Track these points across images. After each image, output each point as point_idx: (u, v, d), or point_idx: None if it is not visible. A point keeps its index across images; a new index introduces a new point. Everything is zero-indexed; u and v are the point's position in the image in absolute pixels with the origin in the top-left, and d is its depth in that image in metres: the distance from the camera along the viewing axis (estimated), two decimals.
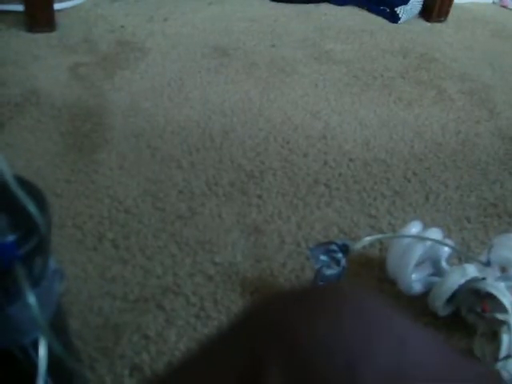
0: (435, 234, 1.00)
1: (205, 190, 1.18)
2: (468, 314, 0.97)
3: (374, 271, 1.05)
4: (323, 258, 0.92)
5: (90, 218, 1.10)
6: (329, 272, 0.92)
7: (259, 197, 1.18)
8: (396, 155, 1.36)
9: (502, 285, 0.94)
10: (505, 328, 0.87)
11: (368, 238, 1.00)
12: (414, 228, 1.01)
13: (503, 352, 0.86)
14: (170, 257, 1.03)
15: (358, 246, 0.98)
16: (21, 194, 0.58)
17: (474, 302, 0.95)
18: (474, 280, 0.95)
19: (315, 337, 0.23)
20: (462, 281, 0.94)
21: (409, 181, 1.29)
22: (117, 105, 1.42)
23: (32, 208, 0.60)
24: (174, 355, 0.87)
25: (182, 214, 1.12)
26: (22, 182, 0.60)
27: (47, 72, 1.53)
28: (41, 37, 1.70)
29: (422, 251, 0.97)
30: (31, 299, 0.59)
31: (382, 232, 1.14)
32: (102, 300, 0.95)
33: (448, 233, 1.15)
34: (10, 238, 0.56)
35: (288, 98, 1.52)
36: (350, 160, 1.32)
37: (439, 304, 0.96)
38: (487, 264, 0.96)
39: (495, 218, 1.22)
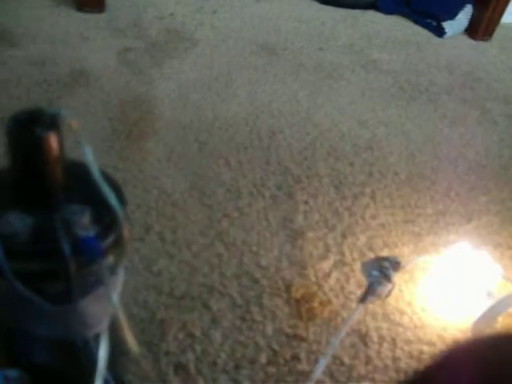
0: (483, 257, 1.00)
1: (252, 191, 1.18)
2: None
3: (417, 289, 1.04)
4: (375, 273, 0.92)
5: (138, 207, 1.10)
6: (379, 288, 0.92)
7: (305, 202, 1.18)
8: (440, 173, 1.36)
9: None
10: None
11: (419, 257, 0.99)
12: (462, 249, 1.00)
13: None
14: (216, 256, 1.03)
15: (408, 265, 0.98)
16: (105, 188, 0.58)
17: None
18: None
19: None
20: (511, 307, 0.94)
21: (452, 200, 1.28)
22: (165, 94, 1.42)
23: (114, 203, 0.60)
24: (220, 356, 0.87)
25: (229, 213, 1.12)
26: (104, 176, 0.59)
27: (96, 54, 1.53)
28: (90, 17, 1.70)
29: (467, 274, 0.97)
30: (113, 295, 0.59)
31: (425, 249, 1.13)
32: (147, 293, 0.95)
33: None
34: (93, 232, 0.56)
35: (335, 104, 1.52)
36: (395, 173, 1.32)
37: (488, 327, 0.95)
38: None
39: None
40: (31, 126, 0.52)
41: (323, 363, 0.84)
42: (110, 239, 0.59)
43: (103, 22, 1.69)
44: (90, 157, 0.58)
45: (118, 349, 0.68)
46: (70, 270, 0.55)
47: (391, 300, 1.00)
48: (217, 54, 1.63)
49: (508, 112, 1.68)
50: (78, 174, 0.60)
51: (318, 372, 0.83)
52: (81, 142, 0.56)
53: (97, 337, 0.65)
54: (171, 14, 1.79)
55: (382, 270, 0.92)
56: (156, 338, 0.88)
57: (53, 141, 0.55)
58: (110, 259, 0.62)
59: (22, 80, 1.36)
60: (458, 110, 1.63)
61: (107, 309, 0.68)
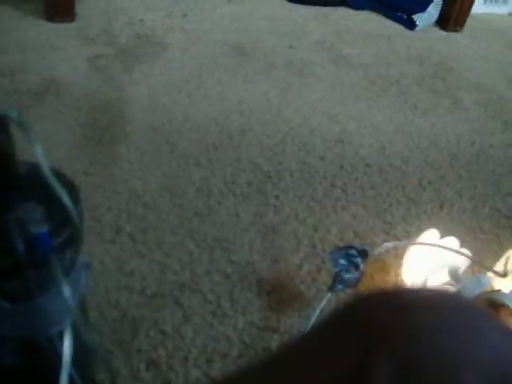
0: (452, 242, 1.01)
1: (222, 189, 1.18)
2: None
3: (389, 277, 1.05)
4: (342, 261, 0.93)
5: (108, 210, 1.10)
6: (347, 276, 0.93)
7: (276, 197, 1.19)
8: (411, 163, 1.37)
9: None
10: None
11: (388, 244, 1.01)
12: (431, 236, 1.01)
13: None
14: (187, 253, 1.04)
15: (376, 252, 0.99)
16: (56, 185, 0.59)
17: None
18: (489, 291, 0.95)
19: (421, 338, 0.24)
20: (478, 291, 0.95)
21: (424, 189, 1.29)
22: (136, 98, 1.43)
23: (66, 200, 0.60)
24: (191, 352, 0.88)
25: (200, 211, 1.13)
26: (57, 174, 0.60)
27: (67, 62, 1.53)
28: (60, 27, 1.70)
29: (438, 260, 0.98)
30: (66, 290, 0.59)
31: (396, 238, 1.14)
32: (119, 293, 0.95)
33: (461, 242, 1.15)
34: (45, 228, 0.56)
35: (306, 100, 1.53)
36: (366, 165, 1.33)
37: None
38: (504, 275, 0.97)
39: (508, 229, 1.23)
40: None
41: None
42: (63, 236, 0.60)
43: (73, 30, 1.69)
44: (40, 155, 0.58)
45: (86, 347, 0.69)
46: (24, 268, 0.56)
47: (363, 288, 1.01)
48: (187, 57, 1.64)
49: (480, 100, 1.70)
50: (31, 173, 0.61)
51: None
52: (31, 140, 0.56)
53: (61, 334, 0.65)
54: (141, 20, 1.80)
55: (349, 259, 0.93)
56: (128, 337, 0.88)
57: (2, 141, 0.55)
58: (66, 256, 0.62)
59: None
60: (429, 100, 1.64)
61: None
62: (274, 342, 0.91)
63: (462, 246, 1.06)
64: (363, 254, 0.95)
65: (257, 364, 0.29)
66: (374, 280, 1.05)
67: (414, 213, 1.22)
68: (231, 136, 1.34)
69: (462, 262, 1.01)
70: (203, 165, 1.24)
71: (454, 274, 1.01)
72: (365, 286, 1.02)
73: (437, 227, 1.10)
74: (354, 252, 0.94)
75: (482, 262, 1.09)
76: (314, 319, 0.90)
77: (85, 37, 1.67)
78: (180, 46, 1.69)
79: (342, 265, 0.93)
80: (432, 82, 1.74)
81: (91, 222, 1.07)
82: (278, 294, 0.99)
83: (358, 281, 0.94)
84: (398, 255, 1.10)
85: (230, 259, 1.04)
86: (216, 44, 1.73)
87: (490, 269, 1.02)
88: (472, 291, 0.95)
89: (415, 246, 1.02)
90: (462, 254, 1.01)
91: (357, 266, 0.94)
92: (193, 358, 0.87)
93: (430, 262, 0.98)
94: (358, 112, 1.51)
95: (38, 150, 0.58)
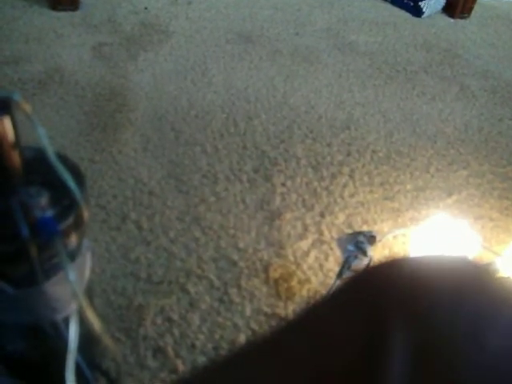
0: (461, 226, 1.00)
1: (229, 175, 1.17)
2: None
3: None
4: (351, 248, 0.92)
5: (114, 198, 1.09)
6: (355, 262, 0.92)
7: (283, 184, 1.18)
8: (419, 149, 1.36)
9: None
10: None
11: (396, 230, 1.00)
12: (440, 220, 1.00)
13: None
14: (193, 240, 1.03)
15: (384, 238, 0.98)
16: (61, 169, 0.58)
17: None
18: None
19: (441, 305, 0.23)
20: None
21: (432, 176, 1.28)
22: (140, 86, 1.42)
23: (71, 184, 0.60)
24: (198, 339, 0.87)
25: (206, 197, 1.12)
26: (62, 158, 0.59)
27: (71, 50, 1.52)
28: (64, 15, 1.69)
29: (446, 244, 0.97)
30: (71, 275, 0.59)
31: (404, 225, 1.13)
32: (125, 280, 0.95)
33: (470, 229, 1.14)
34: (50, 212, 0.55)
35: (312, 87, 1.51)
36: (373, 152, 1.32)
37: None
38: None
39: None
40: None
41: None
42: (68, 220, 0.59)
43: (78, 19, 1.68)
44: (44, 139, 0.57)
45: (91, 334, 0.68)
46: (29, 252, 0.55)
47: None
48: (192, 45, 1.62)
49: (487, 87, 1.68)
50: (36, 158, 0.60)
51: None
52: (34, 124, 0.55)
53: (66, 320, 0.65)
54: (146, 8, 1.79)
55: (357, 245, 0.92)
56: (134, 324, 0.88)
57: (5, 124, 0.55)
58: (71, 240, 0.61)
59: None
60: (436, 86, 1.63)
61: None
62: None
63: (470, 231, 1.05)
64: (371, 240, 0.94)
65: (269, 336, 0.28)
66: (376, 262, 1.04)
67: (421, 200, 1.21)
68: (237, 123, 1.33)
69: (470, 248, 1.00)
70: (209, 152, 1.23)
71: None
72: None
73: (445, 214, 1.08)
74: (362, 238, 0.93)
75: (490, 248, 1.08)
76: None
77: (89, 25, 1.66)
78: (184, 33, 1.68)
79: (350, 251, 0.92)
80: (439, 69, 1.72)
81: (97, 210, 1.06)
82: (285, 281, 0.98)
83: (366, 267, 0.93)
84: (406, 241, 1.09)
85: (237, 246, 1.03)
86: (221, 32, 1.71)
87: (499, 255, 1.01)
88: None
89: (423, 231, 1.00)
90: (473, 239, 1.00)
91: (365, 252, 0.93)
92: (200, 344, 0.86)
93: (437, 247, 0.97)
94: (364, 99, 1.50)
95: (42, 133, 0.57)
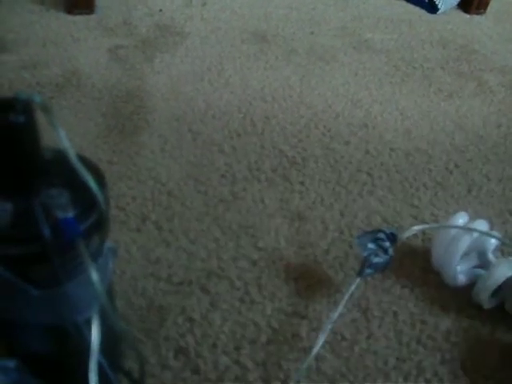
0: (482, 225, 0.99)
1: (247, 175, 1.18)
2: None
3: (417, 261, 1.04)
4: (371, 246, 0.91)
5: (133, 199, 1.10)
6: (376, 260, 0.91)
7: (302, 183, 1.18)
8: (437, 146, 1.35)
9: None
10: None
11: (416, 228, 0.99)
12: (461, 219, 0.99)
13: None
14: (213, 240, 1.03)
15: (405, 235, 0.98)
16: (82, 170, 0.58)
17: None
18: None
19: None
20: (510, 274, 0.93)
21: (451, 172, 1.27)
22: (157, 88, 1.42)
23: (92, 184, 0.60)
24: (219, 338, 0.87)
25: (225, 197, 1.12)
26: (82, 159, 0.60)
27: (87, 54, 1.53)
28: (80, 19, 1.70)
29: (468, 242, 0.96)
30: (94, 276, 0.59)
31: (424, 222, 1.12)
32: (145, 281, 0.95)
33: (490, 225, 1.13)
34: (72, 213, 0.56)
35: (329, 85, 1.51)
36: (392, 150, 1.31)
37: (484, 297, 0.94)
38: None
39: None
40: (4, 112, 0.52)
41: (323, 337, 0.83)
42: (90, 220, 0.59)
43: (93, 22, 1.69)
44: (65, 140, 0.58)
45: (113, 335, 0.68)
46: (51, 253, 0.56)
47: (391, 273, 1.00)
48: (208, 46, 1.63)
49: (505, 82, 1.67)
50: (56, 158, 0.61)
51: (317, 347, 0.83)
52: (55, 125, 0.56)
53: (88, 321, 0.65)
54: (160, 10, 1.79)
55: (377, 243, 0.92)
56: (155, 325, 0.88)
57: (27, 125, 0.55)
58: (93, 241, 0.62)
59: (13, 84, 1.37)
60: (453, 83, 1.62)
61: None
62: (303, 328, 0.90)
63: (491, 228, 1.04)
64: (392, 237, 0.93)
65: None
66: (402, 264, 1.03)
67: (441, 196, 1.20)
68: (254, 123, 1.33)
69: (491, 245, 0.99)
70: (227, 152, 1.23)
71: (483, 257, 0.99)
72: (393, 271, 1.01)
73: (465, 210, 1.07)
74: (382, 236, 0.93)
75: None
76: (342, 304, 0.88)
77: (105, 28, 1.67)
78: (200, 34, 1.68)
79: (370, 249, 0.91)
80: (456, 65, 1.71)
81: (116, 211, 1.07)
82: (306, 280, 0.98)
83: (386, 265, 0.93)
84: (426, 239, 1.09)
85: (257, 246, 1.03)
86: (236, 32, 1.72)
87: None
88: (503, 274, 0.93)
89: (444, 229, 1.00)
90: (493, 236, 0.99)
91: (386, 250, 0.92)
92: (221, 344, 0.86)
93: (459, 245, 0.96)
94: (382, 96, 1.49)
95: (62, 134, 0.57)
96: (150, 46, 1.59)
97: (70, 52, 1.53)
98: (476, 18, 2.09)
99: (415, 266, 1.03)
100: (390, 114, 1.43)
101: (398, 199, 1.18)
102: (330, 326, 0.85)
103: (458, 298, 0.99)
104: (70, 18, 1.70)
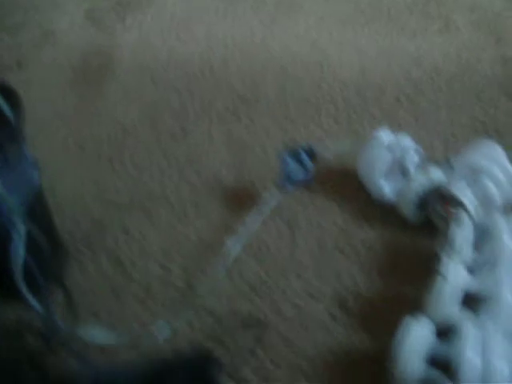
0: (404, 139, 1.04)
1: (199, 113, 1.26)
2: (435, 218, 0.99)
3: (349, 179, 1.09)
4: (290, 160, 0.98)
5: (92, 138, 1.21)
6: (296, 175, 0.98)
7: (251, 119, 1.25)
8: (391, 80, 1.40)
9: (464, 185, 0.97)
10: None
11: (337, 143, 1.05)
12: (384, 135, 1.05)
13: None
14: (159, 170, 1.13)
15: (328, 152, 1.04)
16: None
17: (439, 206, 0.98)
18: (441, 184, 0.98)
19: None
20: (427, 183, 0.97)
21: (401, 103, 1.32)
22: (126, 43, 1.51)
23: (2, 103, 0.70)
24: (152, 249, 0.98)
25: (176, 133, 1.21)
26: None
27: (65, 16, 1.64)
28: None
29: (388, 158, 1.01)
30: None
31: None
32: (93, 204, 1.06)
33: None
34: None
35: (291, 31, 1.57)
36: (344, 85, 1.37)
37: (407, 210, 0.99)
38: (450, 168, 1.00)
39: (483, 134, 1.24)
40: None
41: (239, 242, 0.92)
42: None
43: None
44: None
45: (47, 250, 0.78)
46: None
47: (321, 189, 1.07)
48: (178, 4, 1.70)
49: (474, 19, 1.69)
50: None
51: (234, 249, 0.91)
52: None
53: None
54: None
55: (297, 157, 0.98)
56: (96, 239, 0.98)
57: None
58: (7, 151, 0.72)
59: None
60: (419, 23, 1.65)
61: (18, 197, 0.77)
62: (228, 238, 0.97)
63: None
64: (312, 153, 1.00)
65: None
66: (333, 182, 1.09)
67: (386, 125, 1.25)
68: (213, 67, 1.41)
69: (412, 159, 1.04)
70: (183, 93, 1.32)
71: (404, 169, 1.04)
72: (324, 187, 1.07)
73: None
74: (302, 151, 0.99)
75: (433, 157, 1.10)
76: (264, 214, 0.97)
77: None
78: None
79: (290, 163, 0.98)
80: (425, 8, 1.74)
81: (76, 150, 1.17)
82: (241, 200, 1.06)
83: (308, 180, 1.00)
84: (353, 157, 1.10)
85: (199, 174, 1.12)
86: None
87: (440, 162, 1.04)
88: (421, 184, 0.98)
89: (367, 146, 1.05)
90: (415, 149, 1.04)
91: (306, 166, 0.99)
92: (153, 253, 0.96)
93: (381, 159, 1.02)
94: (342, 38, 1.55)
95: None
96: (124, 6, 1.68)
97: (49, 15, 1.63)
98: None
99: (346, 183, 1.09)
100: (348, 54, 1.49)
101: (343, 128, 1.24)
102: (250, 232, 0.94)
103: (386, 214, 1.03)
104: None
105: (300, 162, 0.99)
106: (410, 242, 0.99)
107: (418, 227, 1.01)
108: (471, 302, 0.80)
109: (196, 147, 1.18)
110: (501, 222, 0.89)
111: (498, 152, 1.01)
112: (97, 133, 1.21)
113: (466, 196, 0.95)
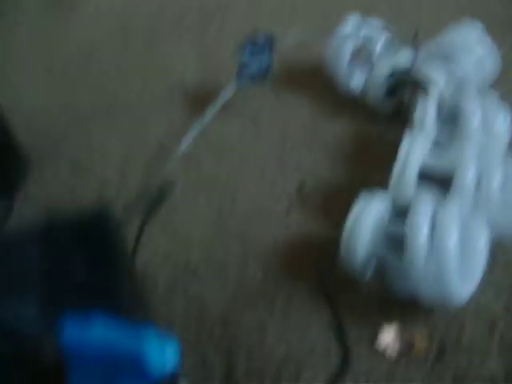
0: (373, 22, 0.97)
1: (169, 30, 1.24)
2: (404, 103, 0.91)
3: (319, 76, 1.02)
4: (247, 52, 0.93)
5: (59, 59, 1.21)
6: (252, 66, 0.93)
7: (220, 29, 1.21)
8: None
9: (438, 64, 0.90)
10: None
11: (296, 32, 0.99)
12: (351, 20, 0.97)
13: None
14: (125, 80, 1.11)
15: (288, 40, 0.98)
16: None
17: (408, 90, 0.91)
18: (409, 65, 0.91)
19: None
20: (394, 65, 0.90)
21: None
22: None
23: None
24: (109, 155, 0.97)
25: (145, 49, 1.20)
26: None
27: None
28: None
29: (354, 43, 0.94)
30: None
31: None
32: (58, 116, 1.06)
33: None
34: None
35: None
36: None
37: (375, 96, 0.92)
38: (418, 43, 0.92)
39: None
40: None
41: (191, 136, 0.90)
42: None
43: None
44: None
45: None
46: None
47: (288, 85, 1.02)
48: None
49: None
50: None
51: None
52: None
53: None
54: None
55: (257, 49, 0.93)
56: (54, 149, 0.98)
57: None
58: None
59: None
60: None
61: None
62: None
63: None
64: (271, 40, 0.93)
65: None
66: (294, 75, 1.04)
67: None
68: None
69: (379, 39, 0.96)
70: (154, 14, 1.30)
71: (370, 52, 0.96)
72: (292, 82, 1.02)
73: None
74: (262, 39, 0.93)
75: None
76: (218, 105, 0.94)
77: None
78: None
79: (246, 54, 0.92)
80: None
81: (45, 70, 1.18)
82: (201, 99, 1.01)
83: (264, 69, 0.94)
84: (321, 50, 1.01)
85: (164, 82, 1.09)
86: None
87: (408, 41, 0.96)
88: (389, 68, 0.91)
89: (333, 33, 0.97)
90: (384, 27, 0.97)
91: (264, 55, 0.93)
92: (110, 159, 0.95)
93: (346, 45, 0.95)
94: None
95: None
96: None
97: None
98: None
99: (314, 78, 1.02)
100: None
101: (312, 19, 1.16)
102: (205, 125, 0.91)
103: (355, 108, 0.97)
104: None
105: (259, 52, 0.93)
106: (378, 133, 0.92)
107: (386, 120, 0.93)
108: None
109: (165, 58, 1.16)
110: (472, 100, 0.82)
111: (479, 31, 0.93)
112: (66, 55, 1.21)
113: (436, 73, 0.88)
